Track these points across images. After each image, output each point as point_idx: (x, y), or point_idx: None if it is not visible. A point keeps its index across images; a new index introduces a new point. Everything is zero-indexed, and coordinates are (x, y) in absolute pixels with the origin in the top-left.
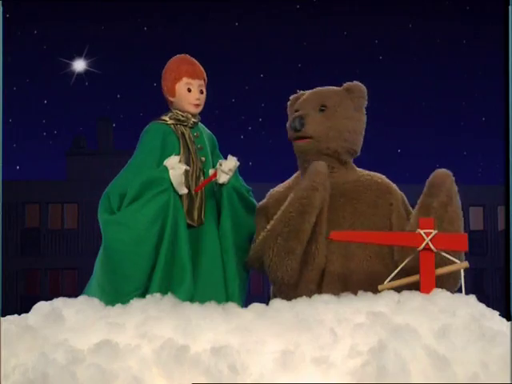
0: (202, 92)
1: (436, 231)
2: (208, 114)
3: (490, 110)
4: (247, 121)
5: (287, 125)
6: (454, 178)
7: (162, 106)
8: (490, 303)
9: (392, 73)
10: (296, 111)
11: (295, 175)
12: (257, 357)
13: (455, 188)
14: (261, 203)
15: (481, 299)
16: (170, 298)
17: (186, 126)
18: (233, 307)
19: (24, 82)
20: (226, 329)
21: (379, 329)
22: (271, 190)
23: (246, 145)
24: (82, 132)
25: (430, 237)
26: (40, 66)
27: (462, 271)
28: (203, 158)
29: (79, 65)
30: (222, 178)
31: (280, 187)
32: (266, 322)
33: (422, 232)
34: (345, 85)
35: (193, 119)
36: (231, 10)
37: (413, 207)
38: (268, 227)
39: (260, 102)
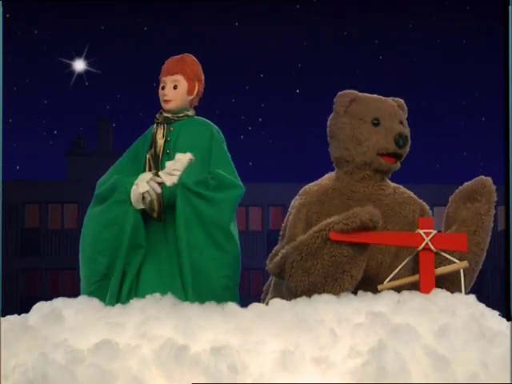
0: (175, 87)
1: (435, 231)
2: (208, 114)
3: (490, 110)
4: (247, 121)
5: (350, 130)
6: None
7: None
8: (489, 303)
9: (392, 73)
10: (375, 119)
11: (330, 174)
12: (256, 357)
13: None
14: (297, 202)
15: (481, 299)
16: (169, 297)
17: (159, 123)
18: (233, 307)
19: (24, 82)
20: (226, 329)
21: (379, 329)
22: (305, 187)
23: (246, 145)
24: (81, 132)
25: (429, 237)
26: (40, 66)
27: (461, 271)
28: (168, 151)
29: (79, 65)
30: (168, 181)
31: (316, 185)
32: (266, 321)
33: (421, 232)
34: (395, 100)
35: (165, 114)
36: (231, 10)
37: None
38: (294, 243)
39: (260, 102)
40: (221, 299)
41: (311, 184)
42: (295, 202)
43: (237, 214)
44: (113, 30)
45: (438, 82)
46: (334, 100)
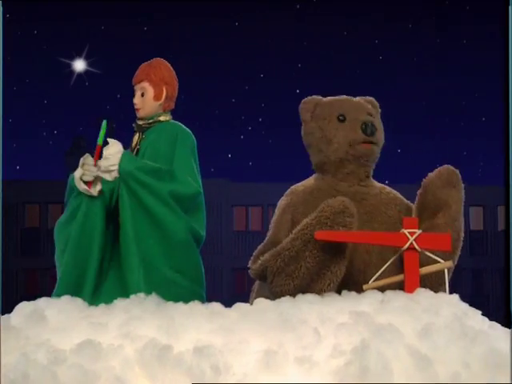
0: (142, 95)
1: (420, 231)
2: (208, 114)
3: (490, 109)
4: (247, 121)
5: (317, 129)
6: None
7: None
8: (489, 303)
9: (392, 73)
10: (340, 115)
11: (314, 176)
12: (240, 357)
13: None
14: (283, 202)
15: (481, 299)
16: (153, 297)
17: (135, 131)
18: (216, 307)
19: (24, 82)
20: (210, 328)
21: (362, 328)
22: (291, 187)
23: (245, 145)
24: (81, 132)
25: (414, 236)
26: (40, 66)
27: (445, 270)
28: None
29: (79, 65)
30: (109, 177)
31: (302, 185)
32: (250, 321)
33: (406, 232)
34: (365, 98)
35: (138, 122)
36: (231, 10)
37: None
38: (274, 250)
39: (260, 102)
40: (167, 294)
41: (297, 184)
42: (281, 202)
43: (237, 214)
44: (113, 30)
45: (437, 81)
46: (299, 109)
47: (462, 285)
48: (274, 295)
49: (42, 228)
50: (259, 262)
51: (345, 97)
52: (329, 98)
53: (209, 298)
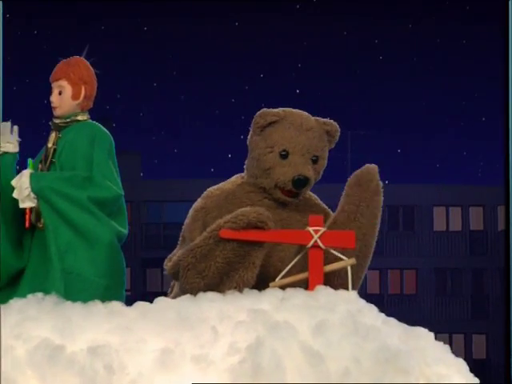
0: (60, 93)
1: (324, 229)
2: (208, 114)
3: (490, 110)
4: (247, 121)
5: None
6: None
7: (162, 105)
8: (489, 303)
9: (392, 73)
10: (284, 151)
11: (236, 178)
12: (136, 356)
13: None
14: (197, 205)
15: (481, 299)
16: (51, 297)
17: (52, 130)
18: (116, 306)
19: (24, 82)
20: (107, 328)
21: (259, 326)
22: (208, 189)
23: (246, 145)
24: None
25: (318, 234)
26: (40, 66)
27: (349, 268)
28: (54, 160)
29: None
30: (30, 204)
31: (218, 189)
32: (149, 320)
33: (310, 229)
34: (325, 125)
35: (54, 121)
36: (231, 10)
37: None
38: (188, 246)
39: (260, 102)
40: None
41: (214, 187)
42: (196, 204)
43: None
44: (113, 30)
45: (437, 82)
46: (254, 116)
47: (462, 285)
48: (184, 293)
49: None
50: (175, 257)
51: (301, 125)
52: (288, 116)
53: None
